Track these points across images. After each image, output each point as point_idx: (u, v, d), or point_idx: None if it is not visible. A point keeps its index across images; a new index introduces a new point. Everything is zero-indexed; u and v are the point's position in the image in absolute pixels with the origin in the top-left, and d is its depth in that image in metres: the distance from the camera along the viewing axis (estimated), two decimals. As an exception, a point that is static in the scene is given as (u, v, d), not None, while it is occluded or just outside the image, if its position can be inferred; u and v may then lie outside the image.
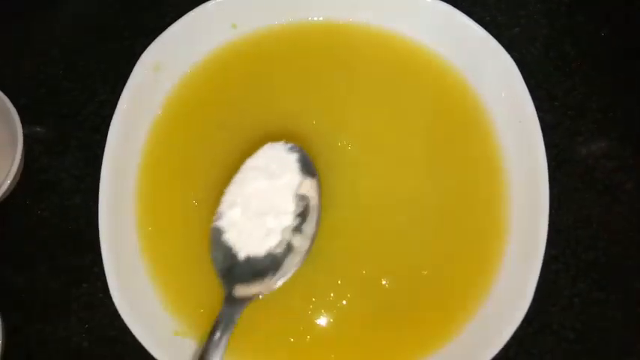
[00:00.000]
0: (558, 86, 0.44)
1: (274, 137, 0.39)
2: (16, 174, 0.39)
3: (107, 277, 0.35)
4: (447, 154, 0.39)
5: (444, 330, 0.36)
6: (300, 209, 0.35)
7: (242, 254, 0.34)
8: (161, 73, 0.40)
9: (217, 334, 0.32)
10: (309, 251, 0.34)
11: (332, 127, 0.40)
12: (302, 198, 0.35)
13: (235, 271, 0.34)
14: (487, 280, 0.37)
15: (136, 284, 0.36)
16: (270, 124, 0.40)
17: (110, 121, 0.38)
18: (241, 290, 0.33)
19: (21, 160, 0.39)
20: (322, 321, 0.36)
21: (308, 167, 0.36)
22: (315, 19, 0.42)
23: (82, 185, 0.41)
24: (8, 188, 0.39)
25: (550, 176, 0.37)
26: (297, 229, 0.34)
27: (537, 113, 0.38)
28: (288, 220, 0.34)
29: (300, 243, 0.34)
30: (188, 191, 0.38)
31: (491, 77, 0.39)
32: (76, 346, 0.38)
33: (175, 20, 0.40)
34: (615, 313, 0.39)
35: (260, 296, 0.34)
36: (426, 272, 0.37)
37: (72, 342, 0.38)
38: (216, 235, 0.34)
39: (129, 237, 0.37)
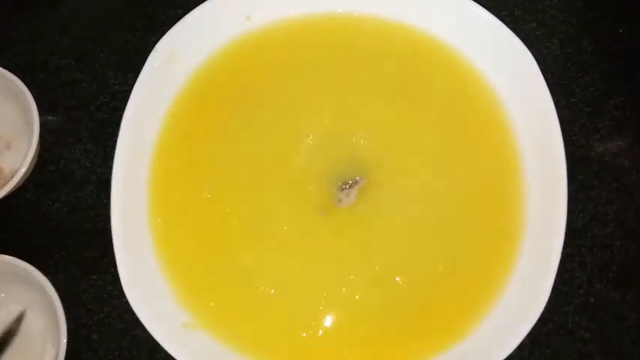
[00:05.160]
0: (575, 83, 0.43)
1: (287, 129, 0.39)
2: (31, 162, 0.39)
3: (119, 269, 0.35)
4: (463, 149, 0.39)
5: (457, 328, 0.36)
6: None
7: None
8: (174, 65, 0.39)
9: None
10: None
11: (345, 120, 0.39)
12: None
13: None
14: (502, 279, 0.36)
15: (146, 276, 0.36)
16: (283, 116, 0.39)
17: (122, 113, 0.38)
18: None
19: (37, 148, 0.39)
20: (334, 316, 0.36)
21: None
22: (329, 11, 0.41)
23: (94, 176, 0.41)
24: (23, 176, 0.39)
25: (566, 173, 0.37)
26: None
27: (554, 109, 0.37)
28: None
29: None
30: (201, 183, 0.38)
31: (509, 72, 0.39)
32: (85, 338, 0.38)
33: (186, 13, 0.40)
34: (631, 313, 0.39)
35: None
36: (440, 269, 0.37)
37: (81, 334, 0.38)
38: None
39: (140, 229, 0.37)
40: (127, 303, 0.34)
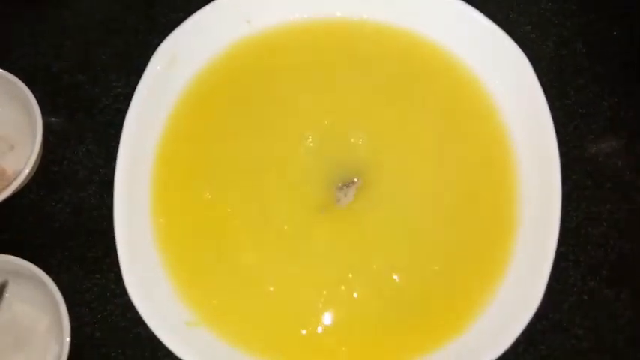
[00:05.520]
0: (569, 84, 0.44)
1: (287, 131, 0.39)
2: (34, 163, 0.39)
3: (121, 268, 0.35)
4: (458, 150, 0.39)
5: (453, 325, 0.36)
6: None
7: None
8: (176, 68, 0.40)
9: None
10: None
11: (344, 122, 0.40)
12: None
13: None
14: (497, 276, 0.37)
15: (148, 275, 0.36)
16: (283, 118, 0.40)
17: (124, 115, 0.38)
18: None
19: (40, 150, 0.40)
20: (333, 313, 0.36)
21: None
22: (328, 15, 0.42)
23: (96, 177, 0.42)
24: (26, 177, 0.39)
25: (560, 174, 0.37)
26: None
27: (548, 111, 0.38)
28: None
29: None
30: (202, 184, 0.39)
31: (504, 74, 0.40)
32: (89, 336, 0.39)
33: (188, 16, 0.40)
34: (625, 310, 0.39)
35: None
36: (436, 267, 0.37)
37: (84, 332, 0.39)
38: None
39: (143, 229, 0.37)
40: (129, 301, 0.35)
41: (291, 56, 0.41)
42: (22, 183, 0.39)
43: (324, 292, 0.37)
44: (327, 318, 0.36)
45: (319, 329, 0.36)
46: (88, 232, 0.41)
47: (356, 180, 0.38)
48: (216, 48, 0.41)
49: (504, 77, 0.40)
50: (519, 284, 0.36)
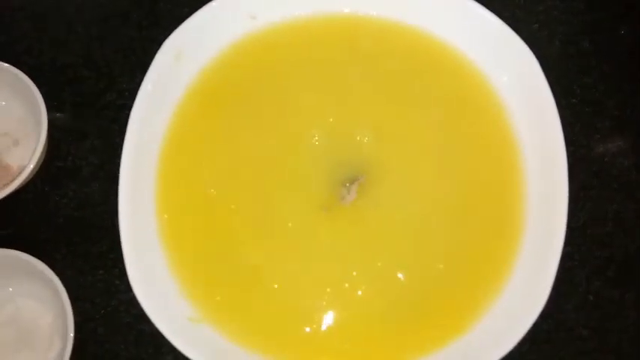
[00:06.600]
0: (576, 83, 0.44)
1: (292, 128, 0.39)
2: (39, 158, 0.39)
3: (126, 264, 0.35)
4: (464, 148, 0.39)
5: (458, 324, 0.36)
6: None
7: None
8: (181, 63, 0.40)
9: None
10: None
11: (349, 119, 0.40)
12: None
13: None
14: (503, 276, 0.37)
15: (152, 271, 0.36)
16: (288, 115, 0.40)
17: (129, 110, 0.38)
18: None
19: (44, 145, 0.40)
20: (337, 311, 0.36)
21: None
22: (335, 11, 0.42)
23: (101, 173, 0.42)
24: (31, 173, 0.39)
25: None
26: None
27: (554, 109, 0.38)
28: None
29: None
30: (207, 180, 0.38)
31: (511, 72, 0.39)
32: (92, 332, 0.39)
33: (193, 11, 0.40)
34: (630, 311, 0.39)
35: None
36: (441, 266, 0.37)
37: (88, 327, 0.39)
38: None
39: (147, 224, 0.37)
40: (133, 297, 0.35)
41: (296, 52, 0.41)
42: (26, 178, 0.39)
43: (328, 289, 0.37)
44: (331, 316, 0.36)
45: (323, 327, 0.36)
46: (93, 228, 0.41)
47: (359, 177, 0.38)
48: (222, 44, 0.41)
49: (511, 75, 0.39)
50: (525, 284, 0.36)
